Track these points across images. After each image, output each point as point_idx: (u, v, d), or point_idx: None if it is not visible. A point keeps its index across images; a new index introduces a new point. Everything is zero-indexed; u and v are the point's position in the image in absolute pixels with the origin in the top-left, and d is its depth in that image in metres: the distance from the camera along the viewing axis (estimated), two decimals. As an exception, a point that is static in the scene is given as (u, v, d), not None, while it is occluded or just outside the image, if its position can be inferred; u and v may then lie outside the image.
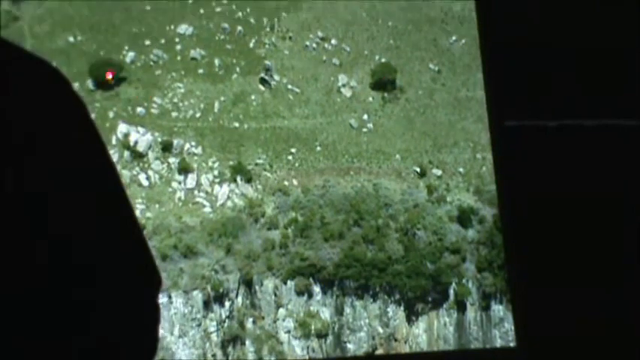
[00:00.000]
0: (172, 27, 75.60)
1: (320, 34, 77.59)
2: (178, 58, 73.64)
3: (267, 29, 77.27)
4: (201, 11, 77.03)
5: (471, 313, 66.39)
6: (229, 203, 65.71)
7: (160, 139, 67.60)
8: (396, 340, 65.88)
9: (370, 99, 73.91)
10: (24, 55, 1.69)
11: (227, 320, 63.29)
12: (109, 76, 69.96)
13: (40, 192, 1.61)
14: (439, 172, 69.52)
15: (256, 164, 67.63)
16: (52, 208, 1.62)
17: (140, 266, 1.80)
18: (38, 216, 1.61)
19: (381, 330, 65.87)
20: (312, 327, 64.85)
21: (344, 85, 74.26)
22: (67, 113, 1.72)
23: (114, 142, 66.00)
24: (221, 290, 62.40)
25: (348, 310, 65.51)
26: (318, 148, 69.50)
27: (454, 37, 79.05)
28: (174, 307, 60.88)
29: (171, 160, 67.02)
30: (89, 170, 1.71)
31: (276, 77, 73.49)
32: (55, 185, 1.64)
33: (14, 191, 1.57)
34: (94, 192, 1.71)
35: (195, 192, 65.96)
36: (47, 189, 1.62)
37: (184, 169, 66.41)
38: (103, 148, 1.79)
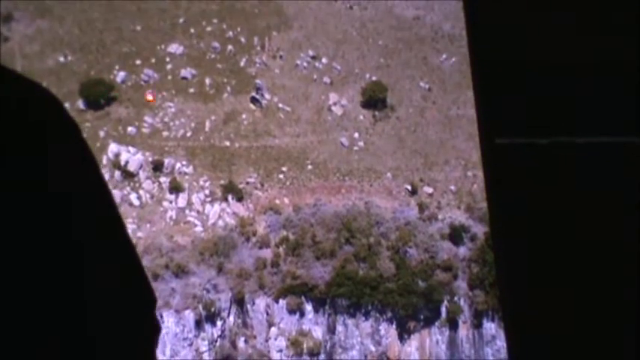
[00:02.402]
0: (163, 46, 75.70)
1: (311, 52, 77.78)
2: (169, 77, 73.70)
3: (258, 48, 77.41)
4: (192, 31, 77.17)
5: (463, 330, 66.32)
6: (220, 222, 65.62)
7: (150, 159, 67.53)
8: (388, 358, 65.74)
9: (361, 117, 74.02)
10: (13, 77, 1.68)
11: (219, 340, 63.07)
12: (149, 97, 70.54)
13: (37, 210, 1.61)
14: (430, 190, 69.58)
15: (247, 183, 67.61)
16: (47, 228, 1.61)
17: (135, 285, 1.80)
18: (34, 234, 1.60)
19: (373, 348, 65.71)
20: (304, 346, 64.66)
21: (335, 104, 74.36)
22: (60, 134, 1.72)
23: (105, 161, 65.92)
24: (213, 309, 62.23)
25: (340, 328, 65.36)
26: (309, 167, 69.51)
27: (444, 56, 79.34)
28: (166, 327, 60.62)
29: (162, 179, 66.94)
30: (83, 192, 1.71)
31: (267, 96, 73.56)
32: (50, 205, 1.63)
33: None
34: (88, 213, 1.71)
35: (187, 211, 65.85)
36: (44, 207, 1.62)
37: (175, 189, 66.32)
38: (96, 169, 1.79)
